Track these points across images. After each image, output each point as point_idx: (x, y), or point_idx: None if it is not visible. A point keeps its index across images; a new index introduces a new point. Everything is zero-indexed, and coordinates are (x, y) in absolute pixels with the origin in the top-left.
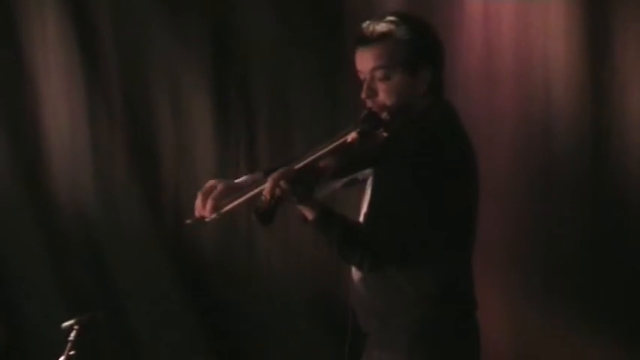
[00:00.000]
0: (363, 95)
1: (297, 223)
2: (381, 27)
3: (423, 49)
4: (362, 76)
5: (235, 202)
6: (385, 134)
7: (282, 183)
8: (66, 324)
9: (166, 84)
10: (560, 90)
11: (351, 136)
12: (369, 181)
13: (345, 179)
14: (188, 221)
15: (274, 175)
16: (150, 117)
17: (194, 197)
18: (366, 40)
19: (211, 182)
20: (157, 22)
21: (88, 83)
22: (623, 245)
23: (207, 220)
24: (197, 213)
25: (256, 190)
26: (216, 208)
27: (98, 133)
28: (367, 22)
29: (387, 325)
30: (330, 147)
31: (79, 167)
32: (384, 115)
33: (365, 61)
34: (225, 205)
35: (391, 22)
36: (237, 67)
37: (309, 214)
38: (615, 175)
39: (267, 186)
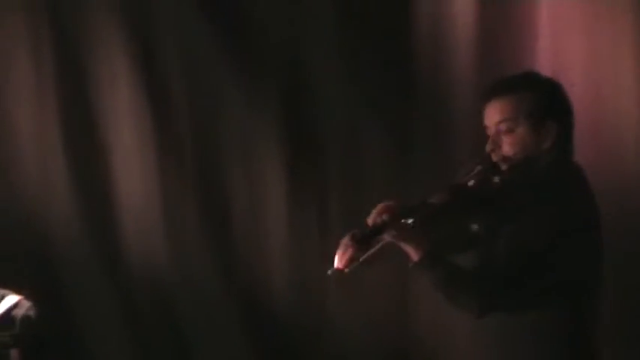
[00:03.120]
0: (487, 148)
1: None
2: (509, 82)
3: (548, 104)
4: (488, 132)
5: (370, 252)
6: (499, 181)
7: (385, 216)
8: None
9: (239, 146)
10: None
11: (470, 182)
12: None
13: (454, 224)
14: (329, 272)
15: (380, 205)
16: (222, 179)
17: (265, 259)
18: (493, 95)
19: (353, 232)
20: (230, 84)
21: (160, 144)
22: None
23: (346, 271)
24: (337, 264)
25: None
26: (353, 259)
27: (170, 194)
28: (496, 79)
29: None
30: (446, 188)
31: (150, 229)
32: (504, 166)
33: (492, 115)
34: (362, 255)
35: (519, 77)
36: (310, 129)
37: (414, 254)
38: None
39: (373, 212)
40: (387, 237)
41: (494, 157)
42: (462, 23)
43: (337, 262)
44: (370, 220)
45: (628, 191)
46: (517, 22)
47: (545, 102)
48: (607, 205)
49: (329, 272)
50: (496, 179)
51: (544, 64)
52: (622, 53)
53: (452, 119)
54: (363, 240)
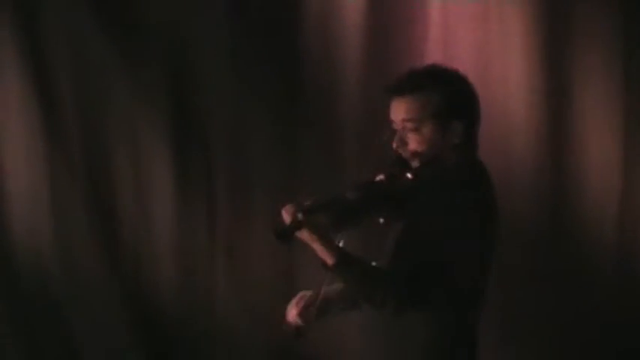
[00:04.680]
0: (395, 145)
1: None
2: (414, 79)
3: (455, 102)
4: (394, 126)
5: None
6: (412, 178)
7: (299, 214)
8: None
9: (126, 140)
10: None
11: (379, 177)
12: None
13: (365, 219)
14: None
15: (291, 204)
16: (109, 170)
17: (153, 255)
18: (399, 91)
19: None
20: (116, 78)
21: (47, 135)
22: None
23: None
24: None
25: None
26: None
27: (57, 190)
28: (401, 73)
29: None
30: (357, 185)
31: (37, 225)
32: (414, 162)
33: (397, 112)
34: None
35: (424, 74)
36: (198, 122)
37: (328, 258)
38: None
39: (286, 211)
40: (303, 235)
41: (402, 153)
42: (352, 18)
43: (294, 318)
44: (287, 218)
45: (514, 188)
46: (408, 13)
47: (451, 101)
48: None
49: (284, 328)
50: (408, 175)
51: (435, 56)
52: (511, 43)
53: (340, 115)
54: (283, 237)
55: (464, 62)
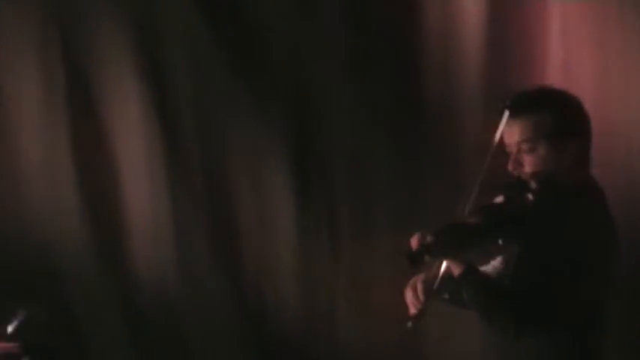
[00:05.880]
0: (510, 167)
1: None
2: (528, 100)
3: (569, 122)
4: (508, 149)
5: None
6: (532, 199)
7: (428, 237)
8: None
9: (249, 170)
10: None
11: (498, 200)
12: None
13: (487, 242)
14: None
15: (423, 230)
16: (230, 193)
17: (276, 279)
18: (512, 114)
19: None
20: (240, 108)
21: (169, 162)
22: None
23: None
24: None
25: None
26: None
27: (180, 214)
28: (513, 95)
29: None
30: (477, 208)
31: (160, 249)
32: (532, 184)
33: (511, 134)
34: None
35: (537, 95)
36: (318, 147)
37: (456, 269)
38: None
39: (415, 237)
40: (432, 256)
41: (518, 175)
42: (472, 34)
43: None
44: (414, 243)
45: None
46: (527, 31)
47: (564, 122)
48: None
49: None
50: (529, 197)
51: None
52: (632, 64)
53: (457, 137)
54: (414, 261)
55: (583, 82)
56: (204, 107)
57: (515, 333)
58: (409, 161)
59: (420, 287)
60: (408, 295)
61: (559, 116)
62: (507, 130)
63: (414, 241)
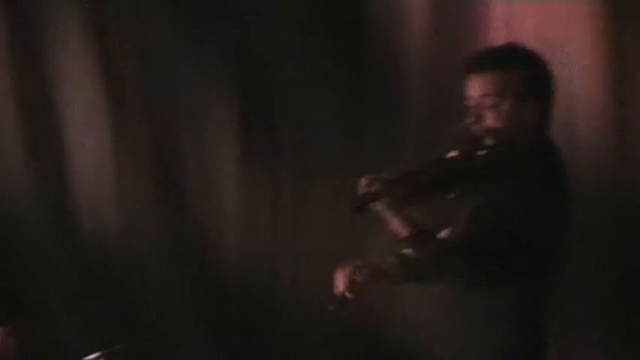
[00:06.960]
0: (471, 120)
1: None
2: (495, 56)
3: (536, 82)
4: (471, 102)
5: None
6: (485, 155)
7: (377, 185)
8: (89, 358)
9: (193, 118)
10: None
11: (452, 154)
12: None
13: (437, 194)
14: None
15: (368, 177)
16: (175, 148)
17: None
18: (479, 67)
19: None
20: (184, 55)
21: (113, 114)
22: None
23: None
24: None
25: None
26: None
27: (123, 161)
28: (480, 50)
29: (465, 353)
30: (429, 161)
31: (103, 197)
32: (488, 139)
33: (475, 88)
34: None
35: (506, 51)
36: (264, 100)
37: (403, 230)
38: None
39: (361, 183)
40: (379, 207)
41: (476, 130)
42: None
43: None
44: (362, 190)
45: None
46: None
47: (531, 81)
48: None
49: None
50: (481, 153)
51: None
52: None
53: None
54: (358, 208)
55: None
56: (151, 65)
57: (467, 286)
58: (357, 112)
59: (350, 284)
60: (338, 283)
61: (527, 75)
62: (472, 84)
63: (361, 187)
